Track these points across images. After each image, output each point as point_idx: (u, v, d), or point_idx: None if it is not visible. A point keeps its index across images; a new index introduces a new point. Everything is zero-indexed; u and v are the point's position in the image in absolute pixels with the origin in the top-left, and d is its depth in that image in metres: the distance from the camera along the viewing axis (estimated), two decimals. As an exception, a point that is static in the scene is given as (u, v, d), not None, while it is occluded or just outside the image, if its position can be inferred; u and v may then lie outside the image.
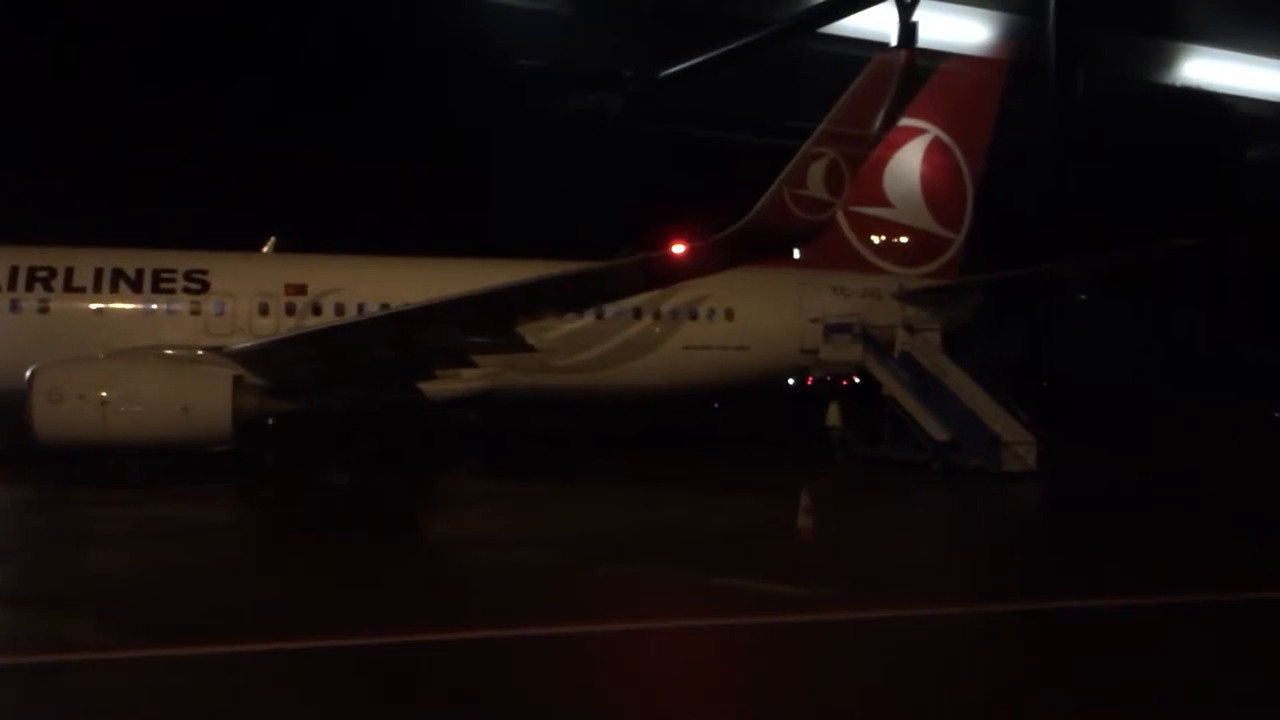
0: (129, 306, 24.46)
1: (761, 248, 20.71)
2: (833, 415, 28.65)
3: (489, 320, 22.15)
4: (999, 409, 25.63)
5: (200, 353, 22.62)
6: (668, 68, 46.72)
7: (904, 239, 31.30)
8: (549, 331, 26.52)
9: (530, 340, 23.36)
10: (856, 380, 28.75)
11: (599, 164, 42.67)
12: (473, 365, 24.14)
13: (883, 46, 39.59)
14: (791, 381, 31.15)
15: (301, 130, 38.04)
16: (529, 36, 42.73)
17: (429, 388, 25.02)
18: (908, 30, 42.55)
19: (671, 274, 21.92)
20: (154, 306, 24.53)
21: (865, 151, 20.60)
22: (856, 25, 44.94)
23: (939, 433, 25.56)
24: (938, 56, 29.72)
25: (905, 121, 31.72)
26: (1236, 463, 29.23)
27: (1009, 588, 13.84)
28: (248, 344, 22.65)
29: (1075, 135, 45.46)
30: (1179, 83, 51.45)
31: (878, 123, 21.06)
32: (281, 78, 38.28)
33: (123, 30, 36.06)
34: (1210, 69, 51.45)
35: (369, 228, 33.73)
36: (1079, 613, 12.31)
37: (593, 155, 43.37)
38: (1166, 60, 51.78)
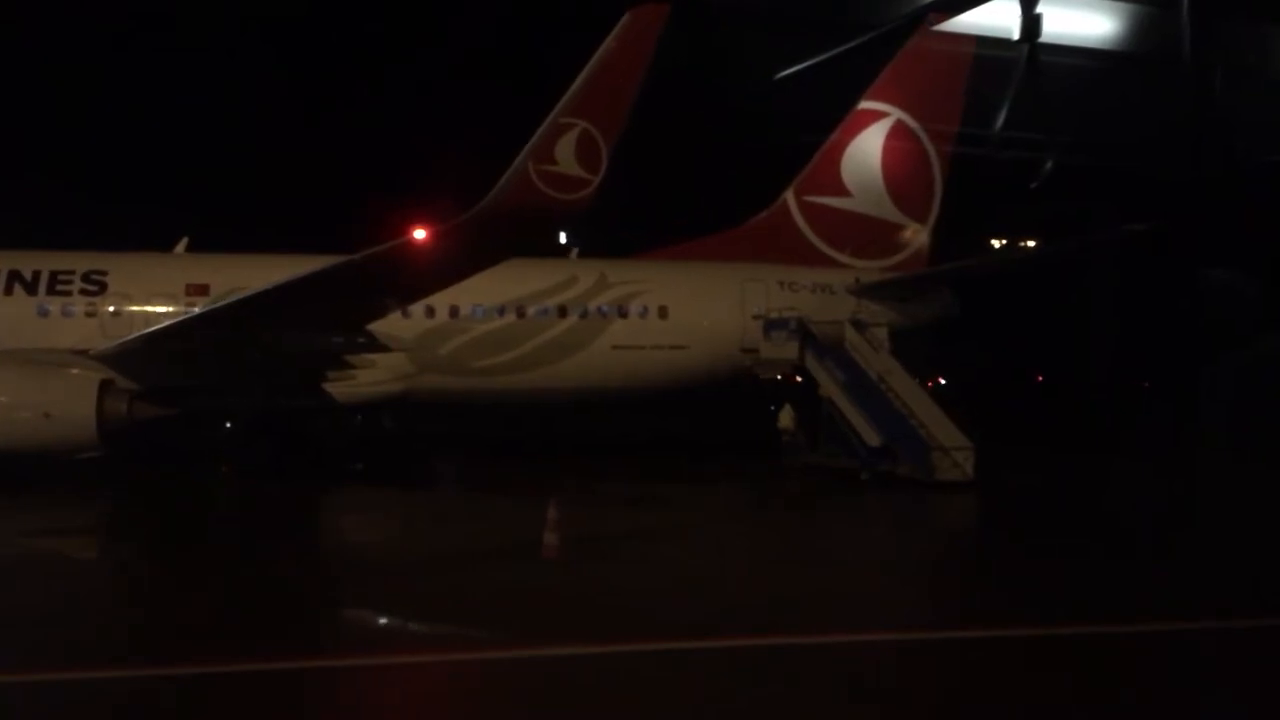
0: (23, 309, 23.90)
1: (511, 232, 18.60)
2: (785, 418, 26.92)
3: (310, 317, 20.89)
4: (940, 412, 23.74)
5: (67, 355, 21.85)
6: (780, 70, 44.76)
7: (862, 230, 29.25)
8: (464, 333, 25.67)
9: (385, 340, 22.14)
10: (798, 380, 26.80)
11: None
12: (349, 366, 23.04)
13: (1005, 43, 36.35)
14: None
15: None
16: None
17: (337, 391, 24.09)
18: (1031, 24, 39.35)
19: (425, 267, 19.66)
20: (49, 309, 23.97)
21: (621, 121, 18.12)
22: (975, 21, 42.13)
23: (872, 437, 23.72)
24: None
25: (865, 104, 29.64)
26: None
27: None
28: (111, 345, 21.84)
29: (1214, 132, 41.96)
30: None
31: (636, 88, 18.42)
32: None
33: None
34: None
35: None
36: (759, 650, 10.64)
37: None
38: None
